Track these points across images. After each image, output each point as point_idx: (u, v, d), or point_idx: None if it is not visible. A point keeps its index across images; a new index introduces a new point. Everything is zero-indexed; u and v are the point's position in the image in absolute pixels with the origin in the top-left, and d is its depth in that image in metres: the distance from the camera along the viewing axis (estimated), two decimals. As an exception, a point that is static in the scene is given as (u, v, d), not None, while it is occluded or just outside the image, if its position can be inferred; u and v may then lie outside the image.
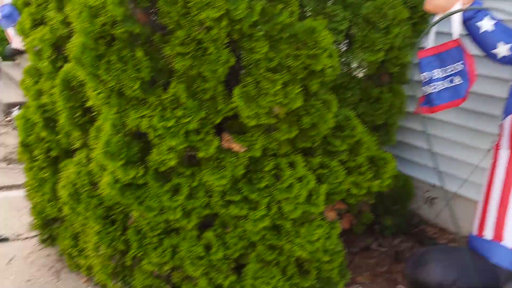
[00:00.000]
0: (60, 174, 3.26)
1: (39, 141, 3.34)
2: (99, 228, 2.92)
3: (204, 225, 2.88)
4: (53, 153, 3.27)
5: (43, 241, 3.65)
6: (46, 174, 3.33)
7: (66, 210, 3.12)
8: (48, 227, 3.58)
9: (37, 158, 3.39)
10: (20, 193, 4.99)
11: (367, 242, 3.66)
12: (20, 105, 7.70)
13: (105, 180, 2.70)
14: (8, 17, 9.38)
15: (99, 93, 2.50)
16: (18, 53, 9.41)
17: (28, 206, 4.63)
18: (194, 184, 2.68)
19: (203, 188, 2.70)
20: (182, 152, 2.54)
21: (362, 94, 3.18)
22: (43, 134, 3.18)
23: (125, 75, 2.35)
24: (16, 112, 7.15)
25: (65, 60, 3.08)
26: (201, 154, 2.55)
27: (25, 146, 3.47)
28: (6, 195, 4.89)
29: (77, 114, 2.82)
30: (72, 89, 2.80)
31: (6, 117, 7.59)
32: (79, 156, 3.04)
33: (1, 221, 4.31)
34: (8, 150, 6.16)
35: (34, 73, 3.22)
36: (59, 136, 3.08)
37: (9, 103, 7.79)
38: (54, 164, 3.33)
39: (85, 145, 2.96)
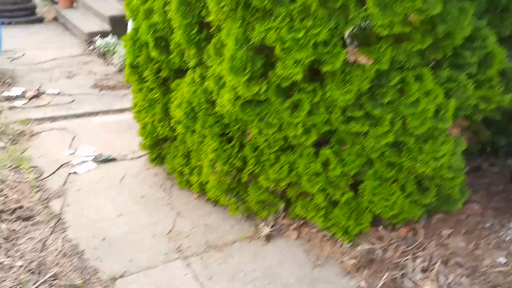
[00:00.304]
0: (171, 94, 3.31)
1: (148, 62, 3.37)
2: (216, 145, 2.96)
3: (319, 143, 2.86)
4: (163, 74, 3.29)
5: (152, 160, 3.78)
6: (156, 95, 3.39)
7: (180, 128, 3.19)
8: (158, 146, 3.69)
9: (146, 79, 3.44)
10: (116, 117, 5.18)
11: (478, 162, 3.53)
12: (101, 33, 7.83)
13: (225, 97, 2.69)
14: None
15: (222, 7, 2.43)
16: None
17: (125, 129, 4.83)
18: (316, 99, 2.62)
19: (324, 104, 2.64)
20: (307, 66, 2.47)
21: (489, 3, 2.93)
22: (154, 54, 3.19)
23: (254, -15, 2.26)
24: (99, 40, 7.28)
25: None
26: (327, 68, 2.47)
27: (133, 67, 3.51)
28: (103, 120, 5.08)
29: (194, 31, 2.78)
30: (189, 5, 2.74)
31: (89, 46, 7.76)
32: (193, 74, 3.04)
33: (105, 143, 4.50)
34: (97, 77, 6.33)
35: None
36: (172, 56, 3.08)
37: (90, 32, 7.93)
38: (164, 84, 3.37)
39: (199, 63, 2.94)
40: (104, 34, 7.82)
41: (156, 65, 3.31)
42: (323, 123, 2.69)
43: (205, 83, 2.94)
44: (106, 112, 5.27)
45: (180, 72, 3.27)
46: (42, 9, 10.21)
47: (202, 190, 3.41)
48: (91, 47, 7.70)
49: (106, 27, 8.11)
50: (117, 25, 7.99)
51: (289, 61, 2.43)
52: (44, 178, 3.81)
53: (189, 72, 3.12)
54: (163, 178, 3.85)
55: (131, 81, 3.59)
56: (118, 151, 4.34)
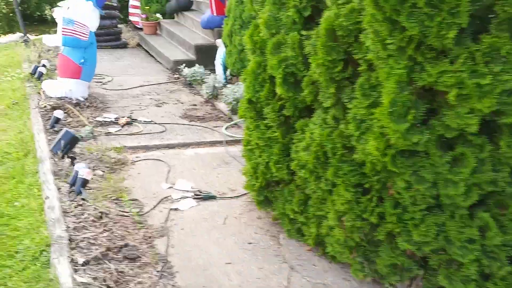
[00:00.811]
0: (294, 134, 3.03)
1: (271, 98, 3.12)
2: (349, 197, 2.63)
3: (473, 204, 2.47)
4: (287, 112, 3.03)
5: (259, 203, 3.50)
6: (275, 134, 3.12)
7: (303, 173, 2.89)
8: (267, 189, 3.41)
9: (266, 116, 3.18)
10: (208, 150, 4.97)
11: None
12: (186, 62, 7.80)
13: (372, 144, 2.37)
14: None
15: (387, 44, 2.14)
16: (178, 10, 9.58)
17: (219, 164, 4.60)
18: (483, 155, 2.25)
19: (491, 161, 2.27)
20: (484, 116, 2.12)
21: None
22: (280, 90, 2.94)
23: (435, 22, 1.95)
24: (186, 70, 7.22)
25: (316, 8, 2.77)
26: (507, 120, 2.10)
27: (252, 103, 3.28)
28: (196, 152, 4.89)
29: (337, 69, 2.51)
30: (336, 40, 2.48)
31: (174, 74, 7.74)
32: (324, 115, 2.75)
33: (201, 178, 4.28)
34: (186, 107, 6.22)
35: (272, 24, 2.96)
36: (303, 94, 2.81)
37: (176, 60, 7.93)
38: (285, 123, 3.10)
39: (336, 103, 2.65)
40: (189, 63, 7.78)
41: (280, 102, 3.06)
42: (488, 182, 2.30)
43: (340, 126, 2.64)
44: (198, 144, 5.08)
45: (305, 111, 3.00)
46: (125, 34, 10.44)
47: (318, 243, 3.08)
48: (176, 75, 7.68)
49: (191, 56, 8.10)
50: (202, 54, 7.95)
51: (463, 110, 2.09)
52: (146, 213, 3.61)
53: (318, 112, 2.84)
54: (268, 223, 3.55)
55: (246, 117, 3.36)
56: (216, 188, 4.10)
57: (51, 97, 5.84)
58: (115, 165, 4.35)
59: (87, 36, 5.84)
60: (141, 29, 10.90)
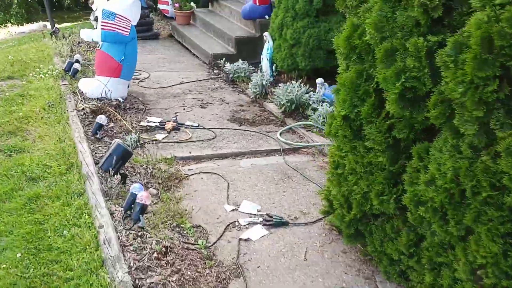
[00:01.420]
0: (405, 161, 2.47)
1: (375, 116, 2.56)
2: (495, 248, 2.07)
3: None
4: (399, 134, 2.47)
5: (348, 237, 2.95)
6: (380, 159, 2.57)
7: (423, 211, 2.34)
8: (360, 221, 2.86)
9: (366, 136, 2.63)
10: (266, 160, 4.43)
11: None
12: (226, 56, 7.25)
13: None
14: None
15: None
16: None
17: (281, 178, 4.06)
18: None
19: None
20: None
21: None
22: (393, 108, 2.37)
23: None
24: (228, 65, 6.67)
25: (448, 8, 2.19)
26: None
27: (347, 119, 2.72)
28: (253, 163, 4.35)
29: (490, 88, 1.93)
30: (491, 52, 1.90)
31: (213, 69, 7.19)
32: (456, 141, 2.19)
33: (266, 197, 3.76)
34: (232, 108, 5.67)
35: (384, 26, 2.40)
36: (430, 114, 2.24)
37: (214, 54, 7.37)
38: (394, 147, 2.54)
39: (480, 129, 2.08)
40: (228, 57, 7.23)
41: (389, 122, 2.50)
42: None
43: (482, 158, 2.07)
44: (254, 153, 4.55)
45: (422, 133, 2.44)
46: (156, 24, 9.90)
47: (430, 291, 2.53)
48: (216, 70, 7.13)
49: (231, 49, 7.54)
50: (243, 47, 7.38)
51: None
52: (213, 244, 3.09)
53: (444, 136, 2.27)
54: (357, 260, 3.02)
55: (339, 135, 2.80)
56: (284, 210, 3.58)
57: (89, 98, 5.35)
58: (168, 180, 3.84)
59: (129, 30, 5.31)
60: (170, 18, 10.36)
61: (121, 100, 5.44)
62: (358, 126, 2.71)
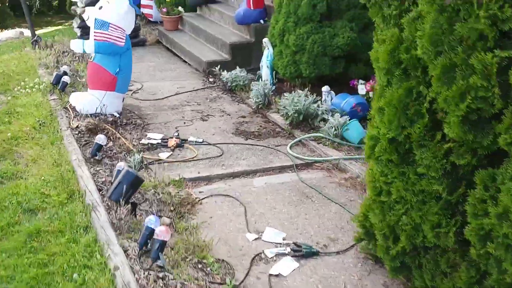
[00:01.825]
0: (465, 189, 2.21)
1: (428, 139, 2.30)
2: None
3: None
4: (459, 160, 2.20)
5: (393, 270, 2.68)
6: (435, 187, 2.30)
7: (493, 248, 2.08)
8: (408, 254, 2.59)
9: (416, 161, 2.36)
10: (279, 178, 4.14)
11: None
12: (220, 63, 6.94)
13: None
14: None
15: None
16: (203, 2, 8.66)
17: (299, 198, 3.72)
18: None
19: None
20: None
21: None
22: (454, 131, 2.11)
23: None
24: (225, 73, 6.35)
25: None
26: None
27: (394, 142, 2.45)
28: (266, 182, 4.05)
29: None
30: None
31: (208, 77, 6.86)
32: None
33: (288, 222, 3.47)
34: (234, 120, 5.36)
35: (439, 41, 2.13)
36: (500, 139, 1.98)
37: (208, 61, 7.05)
38: (452, 174, 2.28)
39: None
40: (223, 64, 6.93)
41: (447, 146, 2.24)
42: None
43: None
44: (266, 170, 4.26)
45: (485, 158, 2.18)
46: (141, 29, 9.50)
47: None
48: (211, 79, 6.81)
49: (225, 55, 7.22)
50: (238, 53, 7.07)
51: None
52: (241, 283, 2.79)
53: (513, 163, 2.02)
54: (402, 294, 2.76)
55: (382, 159, 2.53)
56: (311, 236, 3.29)
57: (81, 114, 4.98)
58: (180, 206, 3.52)
59: (124, 40, 4.96)
60: (155, 22, 9.98)
61: (117, 115, 5.09)
62: (406, 149, 2.44)
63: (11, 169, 4.01)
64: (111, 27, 4.86)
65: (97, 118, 4.85)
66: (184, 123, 5.21)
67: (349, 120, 4.64)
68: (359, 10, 5.41)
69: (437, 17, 2.18)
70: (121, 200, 3.13)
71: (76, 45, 5.02)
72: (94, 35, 4.87)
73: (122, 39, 4.93)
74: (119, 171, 3.55)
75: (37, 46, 7.81)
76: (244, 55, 7.12)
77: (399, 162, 2.47)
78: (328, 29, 5.41)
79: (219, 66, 6.83)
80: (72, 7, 8.78)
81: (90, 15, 4.93)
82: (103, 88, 5.01)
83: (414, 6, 2.46)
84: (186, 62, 7.73)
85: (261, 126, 5.23)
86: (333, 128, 4.61)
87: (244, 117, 5.50)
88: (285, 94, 5.32)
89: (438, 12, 2.18)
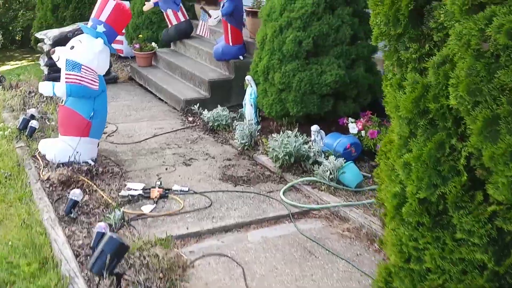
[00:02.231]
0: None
1: (467, 199, 2.00)
2: None
3: None
4: (506, 224, 1.91)
5: None
6: (477, 255, 2.00)
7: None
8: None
9: (454, 224, 2.06)
10: (276, 231, 3.79)
11: None
12: (199, 101, 6.62)
13: None
14: (167, -2, 8.34)
15: None
16: (178, 38, 8.36)
17: (302, 255, 3.31)
18: None
19: None
20: None
21: None
22: (502, 194, 1.83)
23: None
24: (206, 112, 6.02)
25: None
26: None
27: (425, 202, 2.15)
28: (262, 236, 3.69)
29: None
30: None
31: (186, 116, 6.51)
32: None
33: (289, 283, 3.11)
34: (220, 164, 5.01)
35: (477, 90, 1.87)
36: None
37: (186, 100, 6.71)
38: (496, 241, 1.99)
39: None
40: (202, 102, 6.61)
41: (491, 208, 1.94)
42: None
43: None
44: (260, 222, 3.90)
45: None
46: (113, 65, 9.13)
47: None
48: (190, 118, 6.46)
49: (203, 92, 6.90)
50: (217, 90, 6.78)
51: None
52: None
53: None
54: None
55: (411, 222, 2.22)
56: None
57: (53, 163, 4.53)
58: (170, 271, 3.11)
59: (98, 83, 4.58)
60: (125, 58, 9.65)
61: (92, 162, 4.66)
62: (439, 211, 2.14)
63: (-28, 232, 3.53)
64: (84, 68, 4.48)
65: (70, 168, 4.41)
66: (166, 169, 4.82)
67: (344, 162, 4.36)
68: (346, 46, 5.21)
69: (473, 63, 1.92)
70: (103, 272, 2.71)
71: (46, 88, 4.60)
72: (66, 77, 4.47)
73: (96, 82, 4.56)
74: (99, 234, 3.15)
75: (0, 86, 7.31)
76: (224, 92, 6.83)
77: (432, 226, 2.16)
78: (315, 66, 5.17)
79: (198, 105, 6.50)
80: (39, 44, 8.35)
81: (61, 55, 4.54)
82: (76, 134, 4.59)
83: (436, 49, 2.21)
84: (162, 100, 7.37)
85: (249, 170, 4.89)
86: (329, 172, 4.31)
87: (229, 160, 5.15)
88: (273, 135, 5.01)
89: (474, 58, 1.92)
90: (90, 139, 4.67)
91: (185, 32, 8.34)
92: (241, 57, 6.86)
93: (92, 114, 4.58)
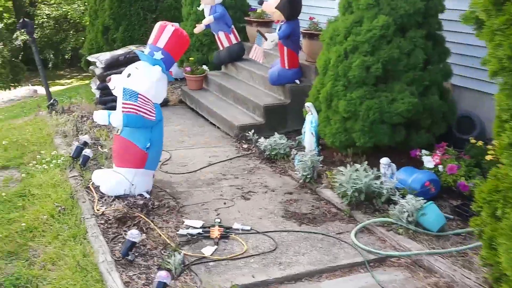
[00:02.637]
0: None
1: None
2: None
3: None
4: None
5: None
6: None
7: None
8: None
9: None
10: (353, 282, 3.39)
11: None
12: (254, 128, 6.32)
13: None
14: (219, 19, 8.13)
15: None
16: (229, 60, 8.13)
17: None
18: None
19: None
20: None
21: None
22: None
23: None
24: (263, 140, 5.71)
25: None
26: None
27: None
28: (337, 285, 3.30)
29: None
30: None
31: (239, 142, 6.21)
32: None
33: None
34: (280, 198, 4.65)
35: None
36: None
37: (241, 126, 6.42)
38: None
39: None
40: (257, 128, 6.31)
41: None
42: None
43: None
44: (333, 270, 3.51)
45: None
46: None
47: None
48: (245, 145, 6.16)
49: (258, 118, 6.60)
50: (272, 116, 6.47)
51: None
52: None
53: None
54: None
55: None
56: None
57: (107, 196, 4.31)
58: (239, 331, 2.76)
59: (154, 114, 4.34)
60: (174, 79, 9.50)
61: (147, 195, 4.41)
62: None
63: (25, 274, 3.31)
64: (141, 98, 4.25)
65: (126, 202, 4.16)
66: (225, 203, 4.51)
67: (424, 201, 3.92)
68: (419, 72, 4.79)
69: None
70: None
71: (101, 117, 4.39)
72: (123, 107, 4.25)
73: (153, 112, 4.32)
74: (160, 284, 2.84)
75: (53, 110, 7.25)
76: (279, 118, 6.52)
77: None
78: (385, 94, 4.77)
79: (253, 131, 6.21)
80: (90, 67, 8.30)
81: (117, 84, 4.34)
82: (132, 166, 4.36)
83: None
84: (214, 124, 7.11)
85: (313, 206, 4.51)
86: (407, 213, 3.88)
87: (290, 193, 4.79)
88: (338, 167, 4.63)
89: None
90: (146, 171, 4.43)
91: (237, 55, 8.10)
92: (297, 81, 6.54)
93: (148, 145, 4.34)
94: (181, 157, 5.73)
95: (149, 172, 4.50)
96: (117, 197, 4.27)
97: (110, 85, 4.36)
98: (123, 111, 4.24)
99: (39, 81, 14.21)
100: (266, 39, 6.13)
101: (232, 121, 6.60)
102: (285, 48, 6.35)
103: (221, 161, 5.62)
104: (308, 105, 5.38)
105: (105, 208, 4.04)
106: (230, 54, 8.15)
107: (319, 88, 5.26)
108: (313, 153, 5.12)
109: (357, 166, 4.47)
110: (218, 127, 6.98)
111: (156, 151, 4.48)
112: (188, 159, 5.68)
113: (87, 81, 12.98)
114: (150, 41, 4.46)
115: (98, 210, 4.07)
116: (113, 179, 4.35)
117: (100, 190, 4.40)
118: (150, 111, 4.29)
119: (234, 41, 8.09)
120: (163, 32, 4.39)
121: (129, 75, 4.33)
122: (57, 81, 15.03)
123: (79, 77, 15.76)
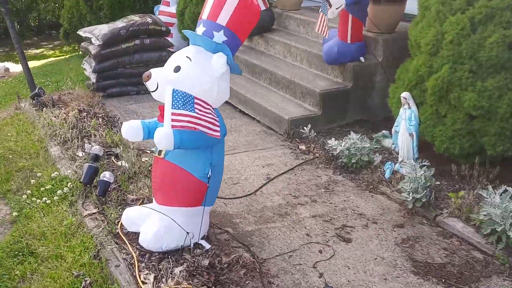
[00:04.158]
0: None
1: None
2: None
3: None
4: None
5: None
6: None
7: None
8: None
9: None
10: None
11: None
12: (309, 120, 4.87)
13: None
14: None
15: None
16: (257, 31, 6.55)
17: None
18: None
19: None
20: None
21: None
22: None
23: None
24: (333, 141, 4.26)
25: None
26: None
27: None
28: None
29: None
30: None
31: (292, 141, 4.77)
32: None
33: None
34: (393, 235, 3.27)
35: None
36: None
37: (293, 119, 4.95)
38: None
39: None
40: (311, 121, 4.88)
41: None
42: None
43: None
44: None
45: None
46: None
47: None
48: (302, 146, 4.71)
49: (311, 108, 5.12)
50: (331, 106, 5.02)
51: None
52: None
53: None
54: None
55: None
56: None
57: (151, 251, 2.85)
58: None
59: (219, 126, 2.84)
60: (241, 74, 7.86)
61: (207, 245, 2.96)
62: None
63: None
64: (198, 104, 2.74)
65: (186, 265, 2.69)
66: (320, 251, 3.09)
67: None
68: None
69: None
70: None
71: (132, 132, 2.86)
72: (172, 119, 2.71)
73: (217, 123, 2.81)
74: None
75: (39, 103, 5.60)
76: (338, 107, 5.08)
77: None
78: (535, 82, 3.37)
79: (309, 126, 4.77)
80: (82, 44, 6.61)
81: (160, 81, 2.80)
82: (184, 204, 2.88)
83: None
84: (247, 114, 5.62)
85: (445, 249, 3.13)
86: None
87: (401, 226, 3.39)
88: (481, 192, 3.25)
89: None
90: (204, 208, 2.96)
91: (268, 24, 6.54)
92: (362, 59, 5.06)
93: (209, 173, 2.85)
94: (227, 168, 4.24)
95: (207, 210, 3.03)
96: (167, 254, 2.81)
97: (150, 84, 2.81)
98: (173, 126, 2.69)
99: (8, 55, 12.26)
100: (330, 5, 4.59)
101: (279, 113, 5.10)
102: (350, 16, 4.83)
103: (281, 174, 4.16)
104: (405, 95, 3.92)
105: (156, 283, 2.57)
106: (258, 24, 6.57)
107: (423, 72, 3.81)
108: (406, 159, 3.73)
109: (510, 190, 3.10)
110: (254, 119, 5.49)
111: (216, 180, 3.00)
112: (236, 171, 4.21)
113: (65, 55, 11.15)
114: (205, 15, 2.91)
115: (142, 280, 2.61)
116: (158, 227, 2.86)
117: (138, 241, 2.93)
118: (213, 124, 2.78)
119: (262, 7, 6.50)
120: (225, 2, 2.86)
121: (177, 69, 2.79)
122: (28, 50, 12.91)
123: (49, 46, 13.68)
